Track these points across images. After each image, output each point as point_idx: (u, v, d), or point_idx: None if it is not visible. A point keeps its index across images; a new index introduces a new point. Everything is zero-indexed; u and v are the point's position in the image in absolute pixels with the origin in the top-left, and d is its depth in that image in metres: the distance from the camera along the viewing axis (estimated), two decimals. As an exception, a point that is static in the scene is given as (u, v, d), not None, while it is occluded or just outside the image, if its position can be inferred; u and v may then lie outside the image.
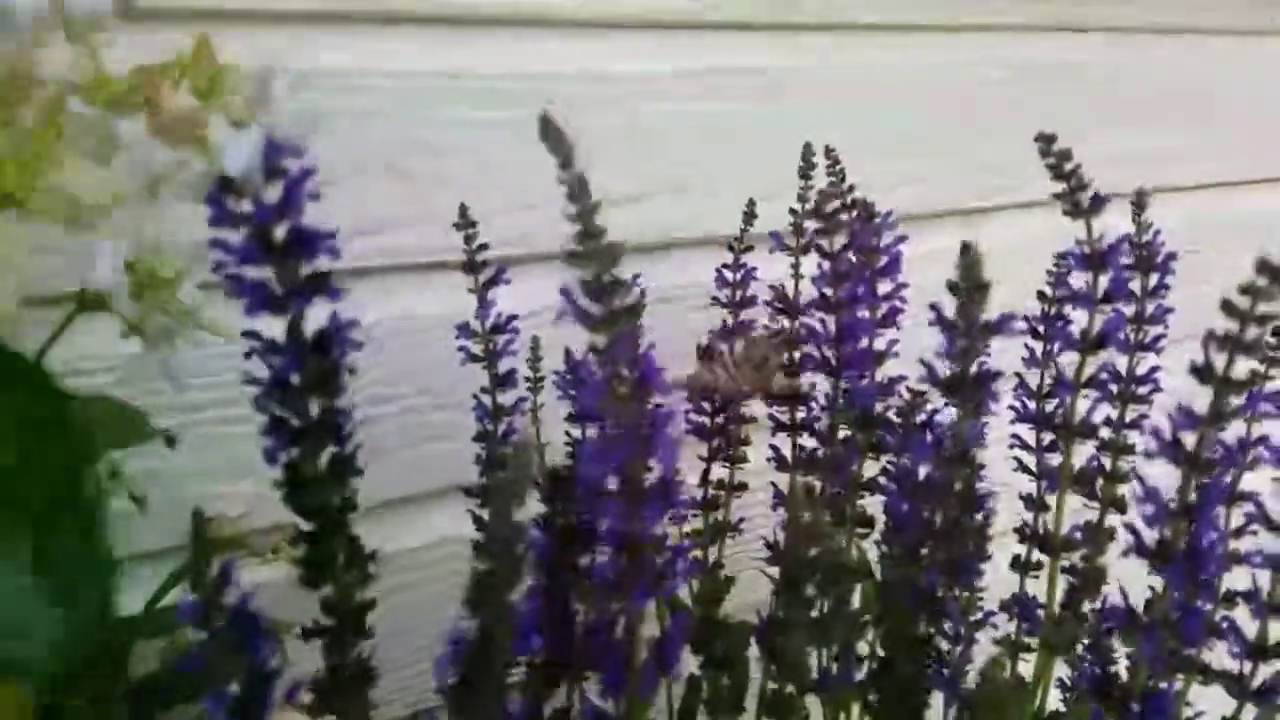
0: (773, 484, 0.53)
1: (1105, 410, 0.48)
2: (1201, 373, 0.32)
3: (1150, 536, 0.34)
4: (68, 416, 0.22)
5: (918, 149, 0.74)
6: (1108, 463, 0.47)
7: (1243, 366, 0.32)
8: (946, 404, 0.34)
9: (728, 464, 0.56)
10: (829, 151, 0.50)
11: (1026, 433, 0.51)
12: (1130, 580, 0.37)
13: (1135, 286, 0.47)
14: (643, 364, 0.28)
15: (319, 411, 0.30)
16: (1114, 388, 0.47)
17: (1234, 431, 0.46)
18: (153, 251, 0.27)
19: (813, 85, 0.70)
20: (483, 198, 0.50)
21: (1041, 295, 0.49)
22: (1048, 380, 0.50)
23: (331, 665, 0.33)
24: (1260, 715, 0.44)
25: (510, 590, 0.25)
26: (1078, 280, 0.43)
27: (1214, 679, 0.44)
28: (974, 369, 0.32)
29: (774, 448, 0.53)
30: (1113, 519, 0.47)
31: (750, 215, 0.55)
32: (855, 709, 0.44)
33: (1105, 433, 0.48)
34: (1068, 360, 0.46)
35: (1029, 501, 0.51)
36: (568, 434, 0.52)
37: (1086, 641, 0.42)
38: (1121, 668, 0.40)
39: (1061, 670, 0.49)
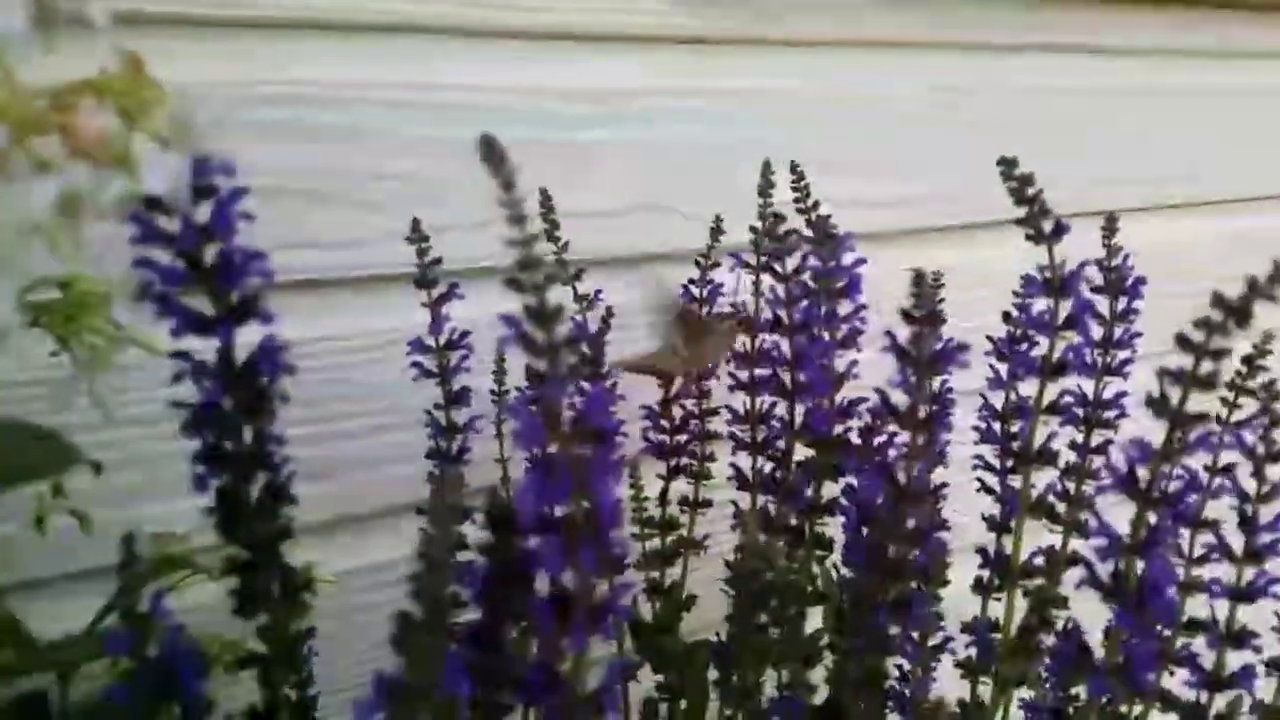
0: (733, 503, 0.52)
1: (1071, 434, 0.47)
2: (1156, 406, 0.31)
3: (1104, 570, 0.33)
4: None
5: (888, 167, 0.74)
6: (1070, 488, 0.47)
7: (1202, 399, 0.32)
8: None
9: (691, 480, 0.55)
10: (794, 168, 0.49)
11: (990, 454, 0.50)
12: (1095, 605, 0.37)
13: (1104, 310, 0.47)
14: (588, 398, 0.27)
15: (251, 437, 0.29)
16: (1079, 412, 0.47)
17: (1201, 459, 0.46)
18: (77, 272, 0.26)
19: (787, 103, 0.69)
20: (451, 209, 0.49)
21: (1006, 317, 0.49)
22: (1012, 403, 0.49)
23: (267, 696, 0.32)
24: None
25: (437, 626, 0.24)
26: (1039, 305, 0.42)
27: (1172, 708, 0.44)
28: (927, 398, 0.32)
29: (735, 466, 0.52)
30: (1076, 543, 0.47)
31: (717, 231, 0.54)
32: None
33: (1070, 457, 0.48)
34: (1032, 385, 0.46)
35: (991, 523, 0.51)
36: (531, 450, 0.51)
37: (1045, 671, 0.41)
38: (1082, 692, 0.39)
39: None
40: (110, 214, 0.25)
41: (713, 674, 0.48)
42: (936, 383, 0.40)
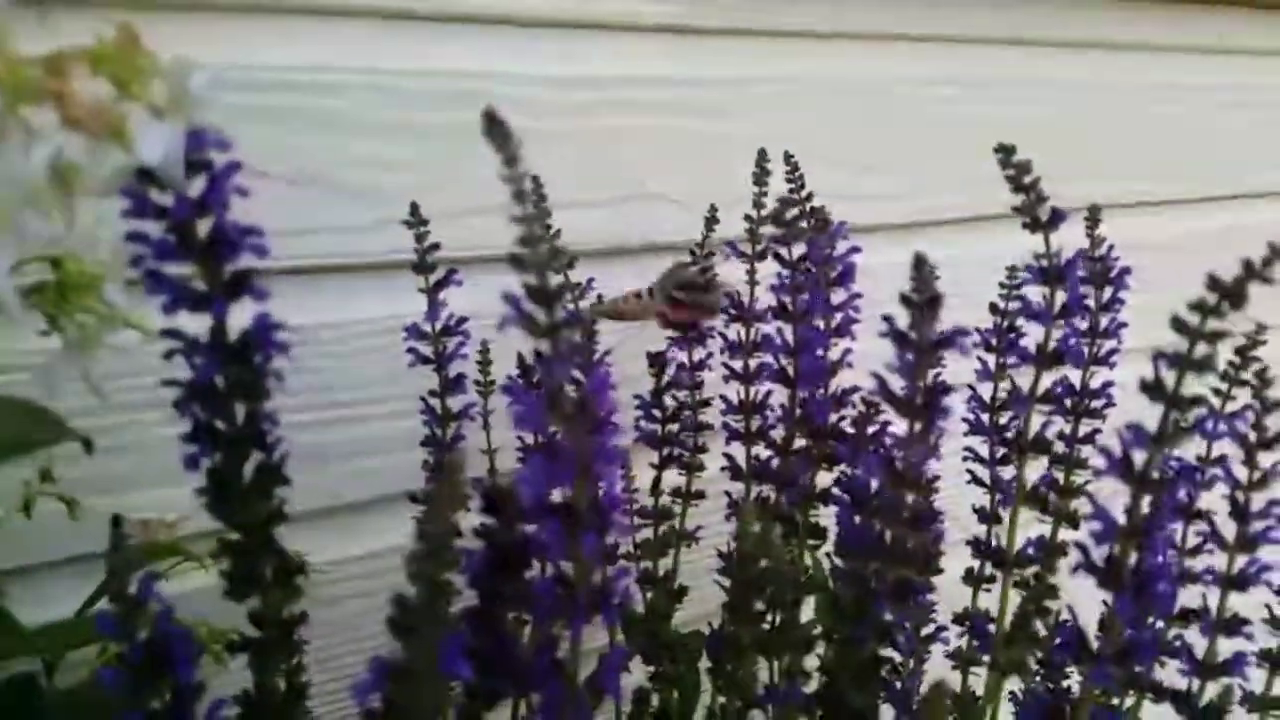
0: (727, 493, 0.52)
1: (1059, 424, 0.47)
2: (1151, 390, 0.31)
3: (1099, 555, 0.33)
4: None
5: (876, 159, 0.74)
6: (1061, 477, 0.47)
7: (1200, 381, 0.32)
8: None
9: (684, 471, 0.55)
10: (788, 158, 0.49)
11: (979, 445, 0.50)
12: (1087, 595, 0.37)
13: (1090, 300, 0.47)
14: (590, 378, 0.27)
15: (244, 417, 0.28)
16: (1068, 402, 0.47)
17: (1194, 449, 0.46)
18: (70, 247, 0.26)
19: (775, 94, 0.69)
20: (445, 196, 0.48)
21: (994, 308, 0.49)
22: (1001, 394, 0.49)
23: (259, 681, 0.32)
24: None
25: (435, 610, 0.23)
26: (1034, 294, 0.42)
27: (1165, 697, 0.44)
28: (925, 385, 0.32)
29: (728, 456, 0.52)
30: (1067, 533, 0.47)
31: (712, 220, 0.54)
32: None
33: (1059, 447, 0.48)
34: (1021, 374, 0.46)
35: (982, 514, 0.51)
36: (520, 439, 0.50)
37: (1037, 660, 0.41)
38: (1074, 683, 0.39)
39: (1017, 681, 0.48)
40: (106, 188, 0.24)
41: (705, 664, 0.48)
42: (931, 374, 0.40)
